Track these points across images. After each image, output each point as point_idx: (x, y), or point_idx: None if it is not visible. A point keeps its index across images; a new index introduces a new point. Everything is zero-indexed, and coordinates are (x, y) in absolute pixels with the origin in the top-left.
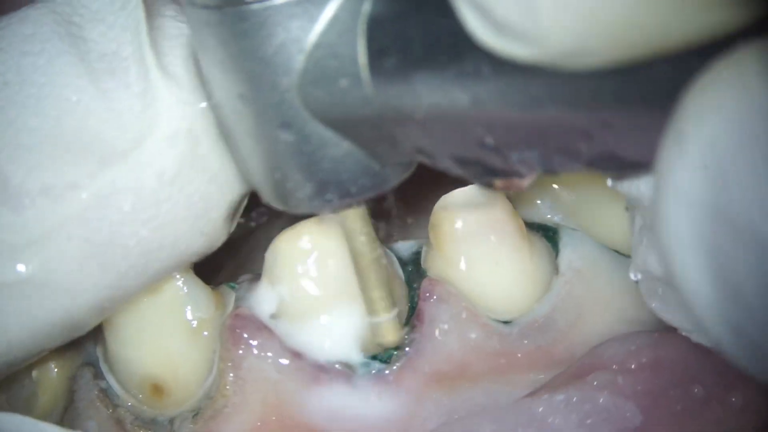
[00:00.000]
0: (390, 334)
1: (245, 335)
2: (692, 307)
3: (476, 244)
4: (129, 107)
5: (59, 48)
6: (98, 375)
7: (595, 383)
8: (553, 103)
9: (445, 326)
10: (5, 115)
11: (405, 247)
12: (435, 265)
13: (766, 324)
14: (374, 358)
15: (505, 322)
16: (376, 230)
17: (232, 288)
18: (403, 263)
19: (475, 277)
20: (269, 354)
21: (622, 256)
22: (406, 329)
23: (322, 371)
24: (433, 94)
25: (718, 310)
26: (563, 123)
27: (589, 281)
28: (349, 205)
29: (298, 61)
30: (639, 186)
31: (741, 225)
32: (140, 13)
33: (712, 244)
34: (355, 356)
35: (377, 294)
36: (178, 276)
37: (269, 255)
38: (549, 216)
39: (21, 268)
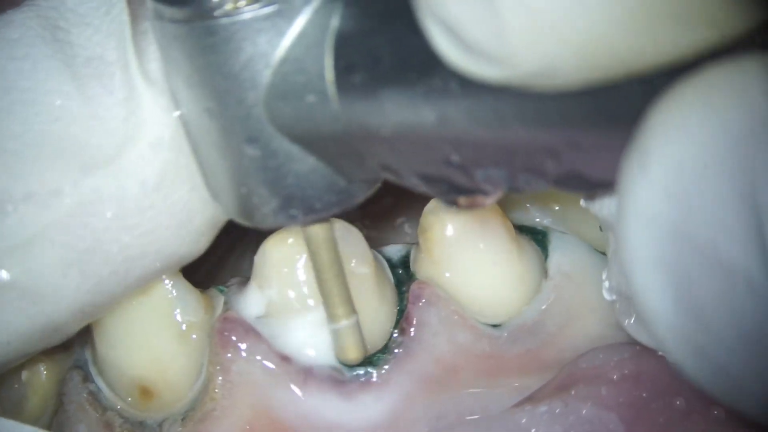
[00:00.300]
0: (351, 353)
1: (234, 338)
2: (654, 328)
3: (465, 248)
4: (113, 114)
5: (45, 52)
6: (87, 378)
7: (578, 395)
8: (521, 122)
9: (434, 329)
10: None
11: (394, 250)
12: (424, 268)
13: (728, 346)
14: (363, 362)
15: (495, 326)
16: (362, 232)
17: (221, 291)
18: (392, 266)
19: (464, 281)
20: (258, 357)
21: None
22: (395, 332)
23: (310, 374)
24: (400, 112)
25: (680, 332)
26: (530, 142)
27: (578, 285)
28: (314, 221)
29: (265, 75)
30: (610, 206)
31: (704, 247)
32: (125, 17)
33: (674, 265)
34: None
35: (340, 310)
36: (166, 279)
37: (258, 258)
38: (538, 219)
39: (3, 274)
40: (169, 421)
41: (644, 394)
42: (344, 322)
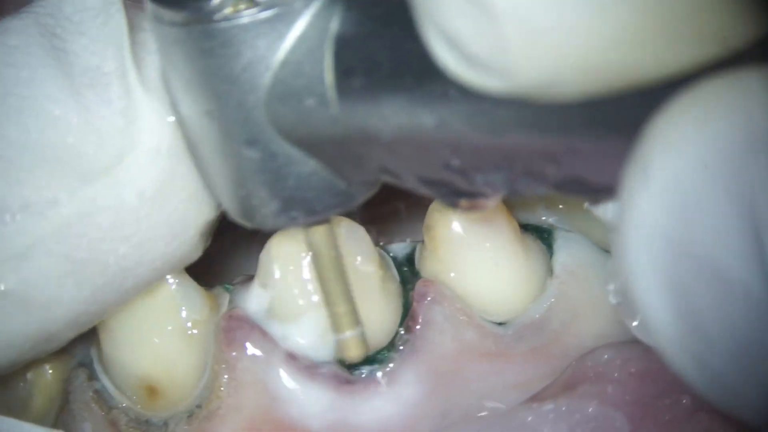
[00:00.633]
0: (353, 350)
1: (239, 337)
2: (654, 336)
3: (471, 246)
4: (111, 123)
5: (43, 61)
6: (93, 376)
7: (584, 393)
8: (521, 128)
9: (440, 327)
10: None
11: (400, 247)
12: (429, 266)
13: (726, 356)
14: (368, 360)
15: (500, 324)
16: (369, 232)
17: (227, 289)
18: (397, 264)
19: (469, 279)
20: (263, 355)
21: None
22: (401, 330)
23: (316, 372)
24: (400, 116)
25: (679, 340)
26: (530, 148)
27: (584, 283)
28: (315, 222)
29: (265, 79)
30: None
31: (703, 260)
32: (123, 27)
33: (673, 276)
34: None
35: (342, 309)
36: (171, 278)
37: (263, 256)
38: (543, 218)
39: None
40: (175, 419)
41: (650, 393)
42: (348, 333)
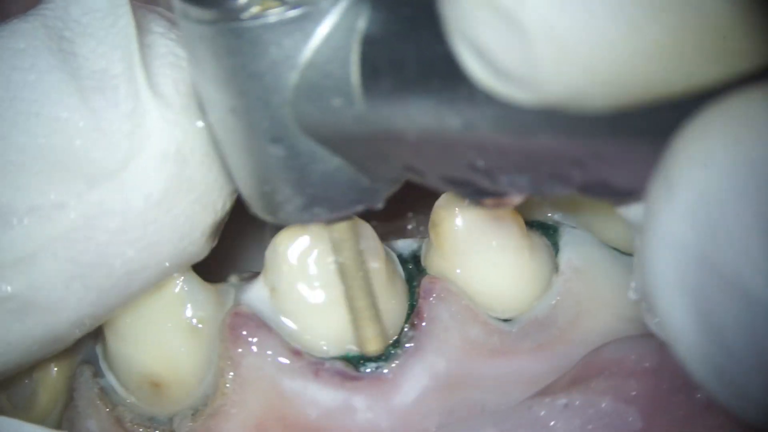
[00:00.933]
0: (373, 344)
1: (244, 333)
2: (677, 346)
3: (476, 243)
4: (118, 127)
5: (50, 64)
6: (98, 373)
7: (597, 388)
8: (547, 133)
9: (445, 324)
10: None
11: (405, 245)
12: (435, 263)
13: (749, 369)
14: (374, 356)
15: (505, 320)
16: (374, 228)
17: (232, 286)
18: (403, 261)
19: (475, 275)
20: (268, 352)
21: (623, 254)
22: (406, 327)
23: (321, 369)
24: (426, 117)
25: (702, 353)
26: (556, 152)
27: (589, 279)
28: (338, 219)
29: (291, 78)
30: (637, 210)
31: (728, 276)
32: (131, 30)
33: (697, 290)
34: (355, 354)
35: (362, 304)
36: (177, 274)
37: (269, 253)
38: (549, 214)
39: (6, 286)
40: (180, 416)
41: (664, 388)
42: (368, 328)
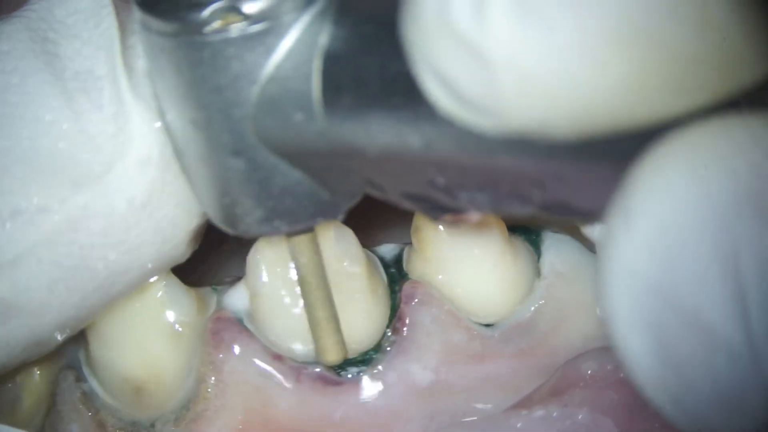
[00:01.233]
0: (331, 355)
1: (226, 338)
2: (633, 374)
3: (459, 247)
4: (102, 130)
5: (34, 66)
6: (80, 378)
7: (574, 399)
8: (507, 153)
9: (427, 329)
10: None
11: (387, 249)
12: (417, 267)
13: (706, 401)
14: (355, 361)
15: (488, 325)
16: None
17: (214, 290)
18: (385, 265)
19: (457, 280)
20: (250, 357)
21: None
22: (388, 331)
23: (302, 374)
24: (387, 135)
25: (659, 382)
26: (516, 172)
27: (571, 284)
28: (298, 231)
29: (252, 92)
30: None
31: (686, 309)
32: (114, 31)
33: (654, 321)
34: None
35: (322, 314)
36: (159, 279)
37: (251, 258)
38: (532, 218)
39: None
40: (162, 420)
41: (641, 398)
42: (327, 338)
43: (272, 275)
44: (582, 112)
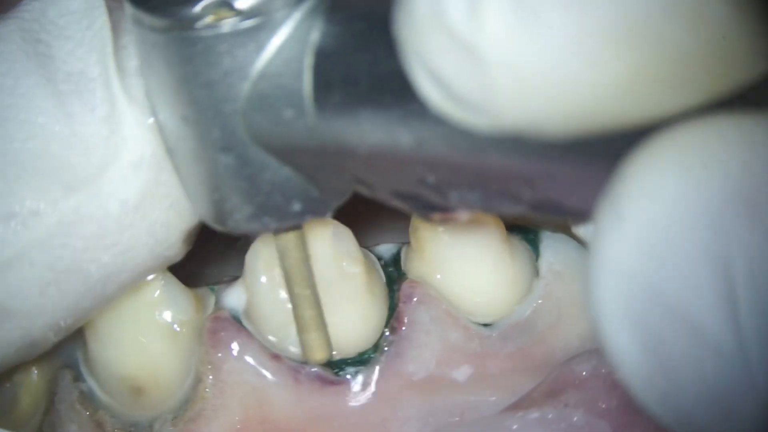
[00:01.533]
0: (316, 354)
1: (224, 338)
2: (621, 371)
3: (457, 247)
4: (94, 132)
5: (27, 68)
6: (78, 378)
7: (570, 400)
8: (499, 152)
9: (426, 328)
10: None
11: (386, 248)
12: (415, 267)
13: (693, 399)
14: (353, 361)
15: (486, 325)
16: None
17: (212, 290)
18: (384, 264)
19: (455, 280)
20: (248, 356)
21: None
22: (386, 331)
23: (301, 374)
24: (377, 133)
25: (646, 380)
26: (507, 171)
27: (570, 283)
28: (287, 229)
29: (243, 88)
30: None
31: (674, 306)
32: (107, 32)
33: (643, 318)
34: (335, 359)
35: (307, 313)
36: (157, 278)
37: (249, 257)
38: (530, 218)
39: None
40: (160, 420)
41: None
42: (312, 336)
43: (270, 275)
44: (576, 111)
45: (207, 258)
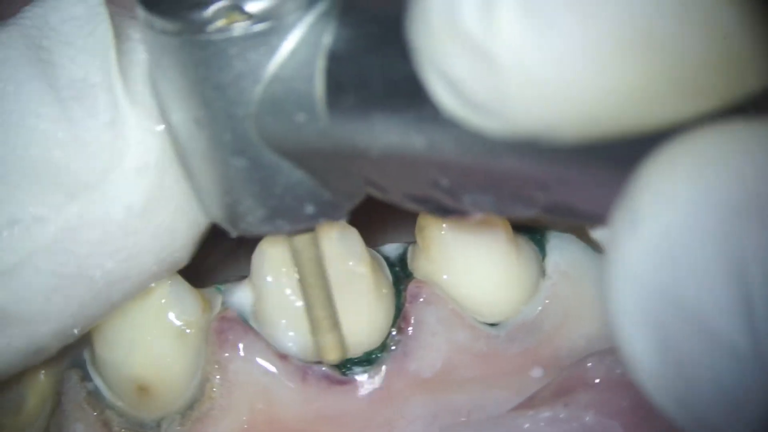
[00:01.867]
0: (331, 354)
1: (232, 337)
2: (635, 373)
3: (463, 247)
4: (97, 137)
5: (29, 74)
6: (85, 377)
7: (581, 401)
8: (511, 156)
9: (432, 329)
10: None
11: (392, 248)
12: (422, 267)
13: (708, 402)
14: (360, 360)
15: (492, 325)
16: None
17: (219, 290)
18: (390, 264)
19: (462, 280)
20: (255, 356)
21: None
22: (393, 331)
23: (308, 373)
24: (390, 135)
25: (661, 381)
26: (520, 174)
27: (576, 284)
28: (300, 231)
29: (255, 91)
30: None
31: (690, 311)
32: (109, 38)
33: (659, 323)
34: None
35: (321, 314)
36: (164, 279)
37: (255, 257)
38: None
39: None
40: (167, 420)
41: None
42: (327, 337)
43: (277, 275)
44: (588, 116)
45: (214, 258)
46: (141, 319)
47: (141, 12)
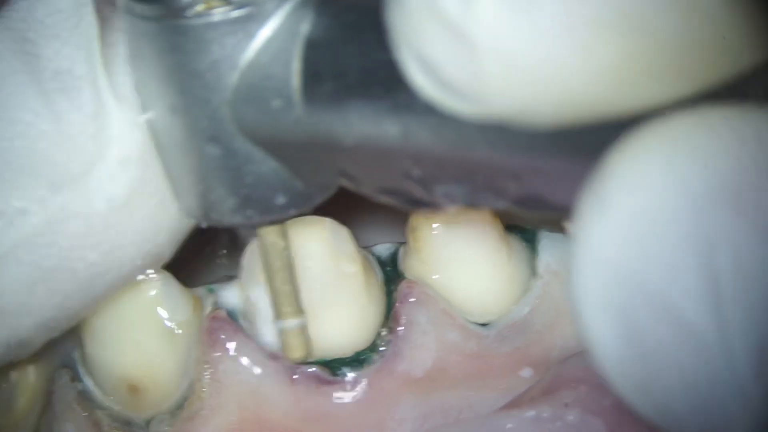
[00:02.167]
0: (295, 353)
1: (222, 337)
2: (598, 360)
3: (454, 247)
4: (81, 130)
5: (13, 66)
6: (75, 377)
7: (564, 399)
8: (486, 145)
9: (423, 328)
10: None
11: (383, 248)
12: (413, 266)
13: (671, 389)
14: (350, 360)
15: (483, 325)
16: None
17: (210, 290)
18: (381, 264)
19: (453, 280)
20: (246, 356)
21: None
22: (383, 331)
23: (297, 373)
24: (365, 124)
25: (626, 369)
26: (493, 164)
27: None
28: (270, 223)
29: (232, 78)
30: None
31: (656, 297)
32: (94, 31)
33: (623, 307)
34: (331, 359)
35: (287, 310)
36: (155, 277)
37: (247, 258)
38: (528, 217)
39: None
40: (157, 419)
41: None
42: (290, 321)
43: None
44: (565, 99)
45: (205, 258)
46: (132, 319)
47: None
